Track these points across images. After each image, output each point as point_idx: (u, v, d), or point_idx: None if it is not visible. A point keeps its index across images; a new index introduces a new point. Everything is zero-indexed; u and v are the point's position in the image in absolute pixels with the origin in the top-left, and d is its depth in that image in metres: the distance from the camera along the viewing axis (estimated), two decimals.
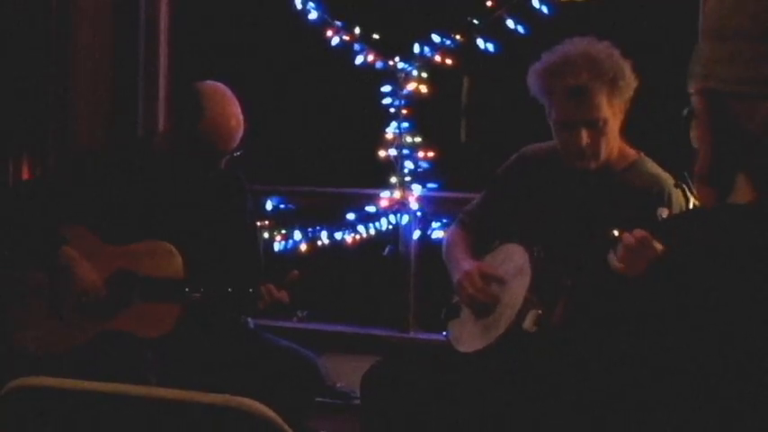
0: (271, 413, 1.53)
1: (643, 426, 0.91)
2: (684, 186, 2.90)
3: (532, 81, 3.04)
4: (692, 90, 1.06)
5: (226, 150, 3.33)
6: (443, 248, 3.33)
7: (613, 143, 3.04)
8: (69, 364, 3.26)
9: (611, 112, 2.97)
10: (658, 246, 2.58)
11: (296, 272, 3.32)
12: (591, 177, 3.05)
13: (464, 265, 3.14)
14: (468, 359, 3.06)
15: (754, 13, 1.01)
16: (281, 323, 4.21)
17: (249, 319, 3.69)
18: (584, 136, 2.96)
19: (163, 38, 4.65)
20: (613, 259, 2.64)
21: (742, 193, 1.03)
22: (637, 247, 2.58)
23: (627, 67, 2.96)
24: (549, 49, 3.02)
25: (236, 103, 3.34)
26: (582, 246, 3.00)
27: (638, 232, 2.60)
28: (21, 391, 1.64)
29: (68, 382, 1.67)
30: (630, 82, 2.97)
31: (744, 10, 1.02)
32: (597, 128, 2.96)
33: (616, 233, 2.88)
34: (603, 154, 3.01)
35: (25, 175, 4.39)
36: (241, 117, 3.32)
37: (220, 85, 3.37)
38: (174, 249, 3.34)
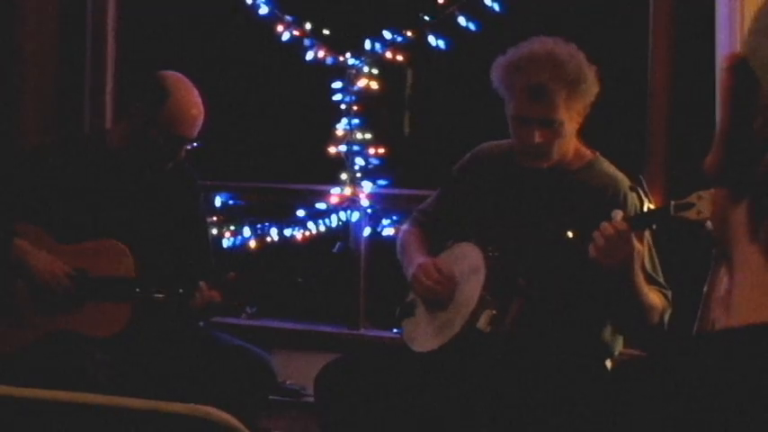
0: (236, 423, 1.51)
1: None
2: (639, 190, 2.92)
3: (495, 74, 3.03)
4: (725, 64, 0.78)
5: (187, 137, 3.31)
6: (398, 246, 3.31)
7: (568, 145, 3.04)
8: (19, 364, 3.21)
9: (568, 115, 2.96)
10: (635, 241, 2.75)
11: (233, 273, 3.30)
12: (546, 176, 3.05)
13: (420, 260, 3.13)
14: (423, 358, 3.05)
15: None
16: (229, 320, 4.18)
17: None
18: (537, 135, 2.96)
19: (110, 32, 4.59)
20: (591, 248, 2.74)
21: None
22: (614, 237, 2.69)
23: (590, 72, 2.96)
24: (515, 45, 3.02)
25: (197, 92, 3.36)
26: (536, 245, 3.00)
27: (619, 224, 2.73)
28: None
29: (21, 391, 1.63)
30: (592, 87, 2.97)
31: None
32: (551, 128, 2.96)
33: (570, 235, 2.90)
34: (555, 155, 3.01)
35: None
36: (202, 107, 3.34)
37: (182, 75, 3.40)
38: (125, 248, 3.30)
